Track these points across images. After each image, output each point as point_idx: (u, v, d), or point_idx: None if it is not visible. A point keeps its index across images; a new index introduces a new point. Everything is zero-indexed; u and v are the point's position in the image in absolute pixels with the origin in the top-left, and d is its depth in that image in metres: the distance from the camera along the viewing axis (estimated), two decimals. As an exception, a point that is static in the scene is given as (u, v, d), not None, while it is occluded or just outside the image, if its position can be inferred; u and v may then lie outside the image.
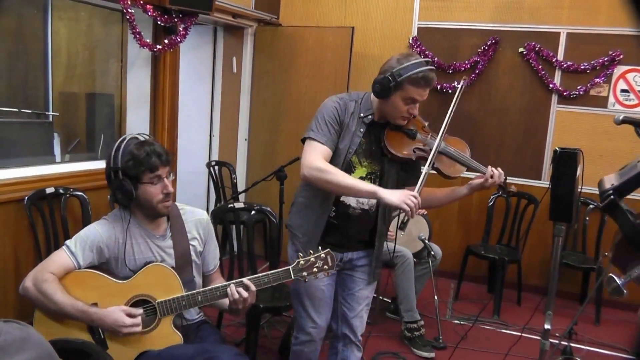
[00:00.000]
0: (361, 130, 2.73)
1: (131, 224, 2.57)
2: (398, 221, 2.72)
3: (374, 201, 2.79)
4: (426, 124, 2.84)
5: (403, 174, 2.85)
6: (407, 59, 2.61)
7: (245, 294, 2.45)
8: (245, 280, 2.48)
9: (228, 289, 2.46)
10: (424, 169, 2.65)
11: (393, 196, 2.49)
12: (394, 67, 2.61)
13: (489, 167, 2.70)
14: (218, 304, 2.66)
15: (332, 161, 2.69)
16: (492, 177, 2.67)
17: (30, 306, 2.45)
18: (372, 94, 2.76)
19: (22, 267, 3.78)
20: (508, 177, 5.30)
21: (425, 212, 4.65)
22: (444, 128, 2.72)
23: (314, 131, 2.69)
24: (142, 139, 2.56)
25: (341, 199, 2.77)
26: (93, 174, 4.35)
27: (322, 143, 2.66)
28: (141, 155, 2.46)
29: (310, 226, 2.83)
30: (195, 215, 2.75)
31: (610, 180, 1.91)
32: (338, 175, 2.57)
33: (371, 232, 2.89)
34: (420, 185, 2.60)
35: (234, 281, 2.49)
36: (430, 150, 2.70)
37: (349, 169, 2.72)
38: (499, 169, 2.71)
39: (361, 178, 2.74)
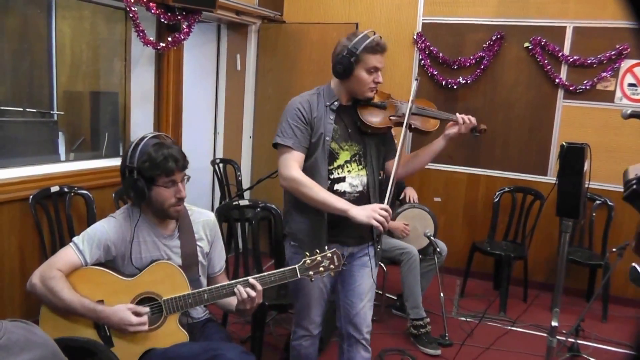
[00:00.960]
0: (331, 117, 2.81)
1: (140, 222, 2.58)
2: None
3: (364, 181, 2.87)
4: (388, 94, 2.96)
5: (382, 148, 2.97)
6: (355, 35, 2.76)
7: (252, 293, 2.46)
8: (251, 279, 2.48)
9: (236, 289, 2.46)
10: (401, 135, 2.79)
11: (361, 214, 2.58)
12: (347, 46, 2.74)
13: (457, 114, 2.89)
14: (225, 305, 2.67)
15: (314, 153, 2.78)
16: (463, 123, 2.87)
17: (36, 304, 2.46)
18: (331, 83, 2.87)
19: (27, 266, 3.80)
20: (514, 173, 5.32)
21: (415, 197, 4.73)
22: (413, 94, 2.85)
23: (280, 136, 2.80)
24: (161, 139, 2.56)
25: (335, 187, 2.82)
26: (98, 173, 4.38)
27: (292, 147, 2.76)
28: (158, 158, 2.46)
29: (313, 227, 2.84)
30: (203, 217, 2.77)
31: (636, 170, 1.90)
32: (313, 189, 2.68)
33: None
34: (390, 189, 2.68)
35: (240, 280, 2.50)
36: (404, 115, 2.84)
37: (332, 156, 2.81)
38: (469, 115, 2.90)
39: (346, 162, 2.83)
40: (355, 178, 2.84)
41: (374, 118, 2.85)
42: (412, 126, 2.88)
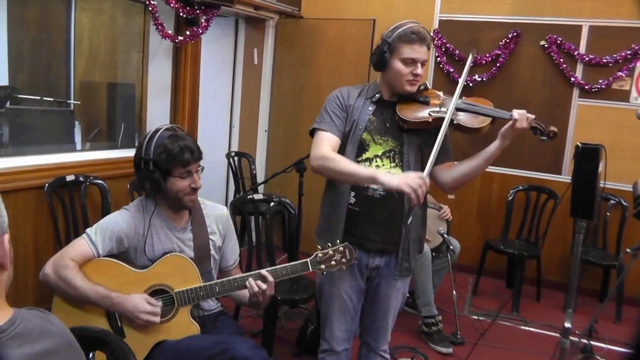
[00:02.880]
0: (369, 109, 2.65)
1: (153, 215, 2.55)
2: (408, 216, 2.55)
3: None
4: (440, 93, 2.68)
5: (426, 149, 2.59)
6: (396, 25, 2.59)
7: (264, 286, 2.42)
8: (263, 271, 2.45)
9: (247, 282, 2.43)
10: (441, 130, 2.48)
11: (393, 179, 2.32)
12: (384, 35, 2.59)
13: (514, 110, 2.45)
14: (237, 297, 2.65)
15: (345, 141, 2.62)
16: (518, 115, 2.42)
17: (49, 292, 2.44)
18: (378, 79, 2.71)
19: (41, 254, 3.77)
20: (529, 172, 5.17)
21: (450, 218, 4.57)
22: (460, 88, 2.56)
23: (318, 122, 2.66)
24: (175, 131, 2.54)
25: None
26: (113, 163, 4.36)
27: (327, 130, 2.61)
28: (175, 149, 2.44)
29: (329, 219, 2.70)
30: (216, 210, 2.74)
31: None
32: (340, 162, 2.49)
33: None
34: (431, 164, 2.43)
35: (252, 273, 2.47)
36: (447, 111, 2.53)
37: (361, 147, 2.61)
38: (524, 111, 2.46)
39: (376, 156, 2.61)
40: None
41: (412, 112, 2.59)
42: (455, 122, 2.54)
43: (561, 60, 5.37)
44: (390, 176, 2.36)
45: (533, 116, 2.46)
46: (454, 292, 4.29)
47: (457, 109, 2.56)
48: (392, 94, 2.65)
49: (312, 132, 2.69)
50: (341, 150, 2.62)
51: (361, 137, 2.61)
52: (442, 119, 2.52)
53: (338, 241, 2.51)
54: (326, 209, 2.75)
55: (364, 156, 2.62)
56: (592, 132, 5.27)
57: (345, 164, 2.48)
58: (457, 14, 5.73)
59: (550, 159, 5.54)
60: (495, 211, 5.77)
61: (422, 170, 2.50)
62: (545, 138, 2.54)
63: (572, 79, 5.36)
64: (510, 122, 2.43)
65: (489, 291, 5.42)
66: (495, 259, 5.46)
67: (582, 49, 5.33)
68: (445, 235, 4.37)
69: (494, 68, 5.57)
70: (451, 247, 4.33)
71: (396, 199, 2.60)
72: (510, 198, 5.42)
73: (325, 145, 2.56)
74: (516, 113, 2.43)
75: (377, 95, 2.65)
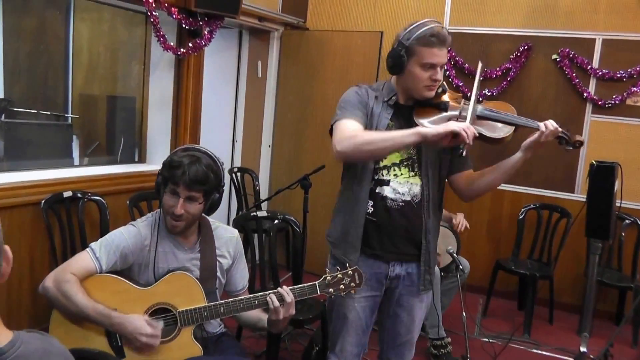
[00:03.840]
0: (388, 112, 2.57)
1: (162, 231, 2.57)
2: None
3: (416, 190, 2.58)
4: (459, 95, 2.62)
5: (446, 157, 2.61)
6: (413, 24, 2.46)
7: (288, 298, 2.41)
8: (282, 289, 2.43)
9: (268, 298, 2.41)
10: (470, 106, 2.43)
11: (439, 126, 2.28)
12: (400, 35, 2.47)
13: (542, 122, 2.39)
14: (246, 319, 2.63)
15: None
16: (545, 128, 2.35)
17: (43, 310, 2.47)
18: (392, 79, 2.63)
19: (37, 271, 3.79)
20: (540, 190, 5.11)
21: (464, 227, 4.57)
22: (475, 89, 2.49)
23: (338, 115, 2.55)
24: (197, 152, 2.54)
25: (376, 190, 2.57)
26: (112, 179, 4.37)
27: (349, 118, 2.49)
28: (173, 162, 2.46)
29: (345, 228, 2.65)
30: (227, 233, 2.75)
31: None
32: (372, 134, 2.41)
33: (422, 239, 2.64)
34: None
35: (259, 294, 2.46)
36: (466, 118, 2.43)
37: None
38: (551, 121, 2.40)
39: (394, 164, 2.56)
40: (402, 185, 2.56)
41: (429, 120, 2.50)
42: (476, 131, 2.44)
43: (574, 74, 5.39)
44: (434, 126, 2.32)
45: (559, 127, 2.38)
46: (464, 313, 4.26)
47: (478, 117, 2.48)
48: (408, 97, 2.59)
49: (331, 130, 2.57)
50: None
51: None
52: None
53: (347, 265, 2.49)
54: (342, 216, 2.70)
55: (382, 164, 2.57)
56: (606, 149, 5.28)
57: (379, 134, 2.41)
58: (467, 27, 5.76)
59: (563, 176, 5.54)
60: (506, 230, 5.76)
61: (441, 178, 2.58)
62: (571, 148, 2.46)
63: (585, 94, 5.38)
64: (537, 134, 2.37)
65: (500, 312, 5.40)
66: (506, 279, 5.45)
67: (596, 63, 5.35)
68: (455, 255, 4.36)
69: (505, 82, 5.59)
70: (461, 266, 4.32)
71: (415, 209, 2.59)
72: (521, 216, 5.42)
73: (350, 128, 2.46)
74: (543, 125, 2.37)
75: (393, 98, 2.59)
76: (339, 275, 2.48)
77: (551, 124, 2.37)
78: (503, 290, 5.62)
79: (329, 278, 2.47)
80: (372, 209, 2.59)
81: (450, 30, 5.60)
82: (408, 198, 2.57)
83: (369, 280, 2.61)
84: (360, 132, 2.43)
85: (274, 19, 5.85)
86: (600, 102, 5.34)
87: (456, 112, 2.51)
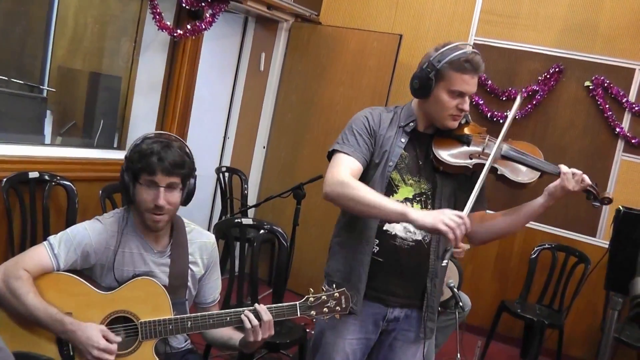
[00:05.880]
0: (402, 140, 2.56)
1: (129, 230, 2.52)
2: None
3: None
4: (484, 129, 2.63)
5: (461, 195, 2.57)
6: (445, 45, 2.46)
7: (267, 317, 2.37)
8: (259, 306, 2.39)
9: (243, 315, 2.37)
10: (479, 179, 2.41)
11: (425, 217, 2.24)
12: (431, 56, 2.46)
13: (561, 166, 2.44)
14: (214, 337, 2.59)
15: (370, 181, 2.53)
16: (573, 175, 2.38)
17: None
18: (413, 102, 2.62)
19: (-12, 257, 3.72)
20: (558, 229, 5.03)
21: (467, 247, 4.52)
22: (506, 128, 2.50)
23: (340, 143, 2.55)
24: (168, 139, 2.50)
25: (384, 227, 2.54)
26: (86, 163, 4.34)
27: (349, 154, 2.50)
28: (145, 151, 2.40)
29: (350, 268, 2.61)
30: (202, 237, 2.69)
31: None
32: (362, 190, 2.37)
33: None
34: (471, 202, 2.36)
35: (230, 310, 2.41)
36: (489, 155, 2.44)
37: (390, 188, 2.54)
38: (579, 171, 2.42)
39: (406, 199, 2.55)
40: None
41: (449, 153, 2.51)
42: (499, 172, 2.49)
43: (607, 106, 5.34)
44: (423, 213, 2.30)
45: (588, 181, 2.41)
46: (458, 355, 4.21)
47: (502, 156, 2.50)
48: (429, 125, 2.59)
49: (330, 155, 2.57)
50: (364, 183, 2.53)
51: (390, 177, 2.55)
52: (483, 165, 2.46)
53: (334, 286, 2.45)
54: (343, 254, 2.66)
55: (392, 199, 2.53)
56: (636, 193, 5.25)
57: (368, 193, 2.37)
58: (495, 39, 5.73)
59: (585, 217, 5.49)
60: (515, 269, 5.72)
61: None
62: (598, 204, 2.48)
63: (618, 129, 5.33)
64: (559, 181, 2.40)
65: (500, 358, 5.36)
66: (510, 322, 5.39)
67: (632, 96, 5.30)
68: (455, 290, 4.30)
69: (530, 105, 5.55)
70: (460, 303, 4.24)
71: (425, 250, 2.58)
72: (534, 256, 5.35)
73: (345, 169, 2.46)
74: (565, 173, 2.40)
75: (411, 124, 2.58)
76: (324, 297, 2.43)
77: (575, 171, 2.40)
78: (506, 335, 5.58)
79: (311, 299, 2.42)
80: (378, 248, 2.57)
81: (476, 42, 5.67)
82: (419, 237, 2.56)
83: (364, 321, 2.61)
84: (352, 183, 2.41)
85: (284, 8, 5.83)
86: (634, 141, 5.28)
87: (479, 149, 2.52)
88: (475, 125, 2.63)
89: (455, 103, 2.45)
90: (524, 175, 2.49)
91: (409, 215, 2.27)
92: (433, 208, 2.55)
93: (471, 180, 2.52)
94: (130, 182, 2.44)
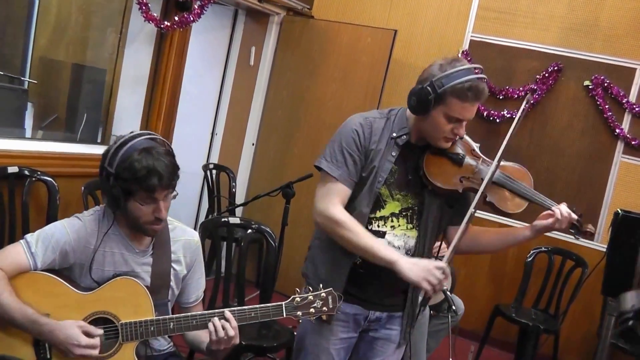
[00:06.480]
0: (393, 154, 2.55)
1: (111, 230, 2.48)
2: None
3: (411, 243, 2.61)
4: (476, 147, 2.65)
5: (447, 210, 2.64)
6: (452, 65, 2.41)
7: (231, 332, 2.34)
8: (227, 311, 2.38)
9: (210, 323, 2.35)
10: (469, 211, 2.45)
11: (413, 271, 2.33)
12: (435, 75, 2.40)
13: (556, 206, 2.52)
14: (192, 339, 2.57)
15: (357, 196, 2.54)
16: (561, 214, 2.46)
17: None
18: (408, 111, 2.57)
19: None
20: (554, 232, 5.06)
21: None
22: (501, 153, 2.48)
23: (328, 161, 2.55)
24: (152, 145, 2.41)
25: None
26: (68, 158, 4.33)
27: (338, 179, 2.51)
28: (140, 171, 2.31)
29: (329, 273, 2.62)
30: (185, 235, 2.67)
31: (634, 299, 1.78)
32: (355, 234, 2.44)
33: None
34: (452, 250, 2.42)
35: (214, 311, 2.40)
36: (482, 179, 2.46)
37: (377, 203, 2.56)
38: (565, 205, 2.52)
39: (392, 215, 2.57)
40: (399, 237, 2.59)
41: (441, 173, 2.53)
42: (487, 199, 2.53)
43: (607, 106, 5.34)
44: (410, 266, 2.35)
45: (575, 217, 2.48)
46: (451, 360, 4.22)
47: (494, 183, 2.53)
48: (422, 137, 2.57)
49: (319, 168, 2.59)
50: (352, 202, 2.56)
51: (378, 192, 2.56)
52: (473, 189, 2.51)
53: (321, 286, 2.45)
54: (323, 261, 2.67)
55: (379, 214, 2.58)
56: (635, 196, 5.26)
57: (362, 238, 2.45)
58: (492, 36, 5.73)
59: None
60: (510, 272, 5.72)
61: (439, 231, 2.64)
62: (579, 237, 2.56)
63: (617, 130, 5.33)
64: (551, 221, 2.48)
65: (493, 364, 5.35)
66: (504, 327, 5.37)
67: (633, 96, 5.31)
68: (448, 293, 4.29)
69: (527, 104, 5.53)
70: (453, 307, 4.22)
71: None
72: (529, 259, 5.34)
73: (336, 201, 2.50)
74: (559, 211, 2.48)
75: (404, 137, 2.56)
76: (310, 297, 2.43)
77: (565, 210, 2.48)
78: (500, 340, 5.58)
79: (298, 299, 2.42)
80: (361, 260, 2.57)
81: (472, 39, 5.66)
82: (402, 252, 2.58)
83: (345, 321, 2.65)
84: (346, 223, 2.46)
85: (275, 1, 5.83)
86: (633, 142, 5.29)
87: (470, 172, 2.56)
88: (467, 141, 2.64)
89: (451, 127, 2.45)
90: (512, 204, 2.56)
91: (396, 266, 2.36)
92: (419, 222, 2.60)
93: (459, 197, 2.59)
94: (120, 196, 2.37)
